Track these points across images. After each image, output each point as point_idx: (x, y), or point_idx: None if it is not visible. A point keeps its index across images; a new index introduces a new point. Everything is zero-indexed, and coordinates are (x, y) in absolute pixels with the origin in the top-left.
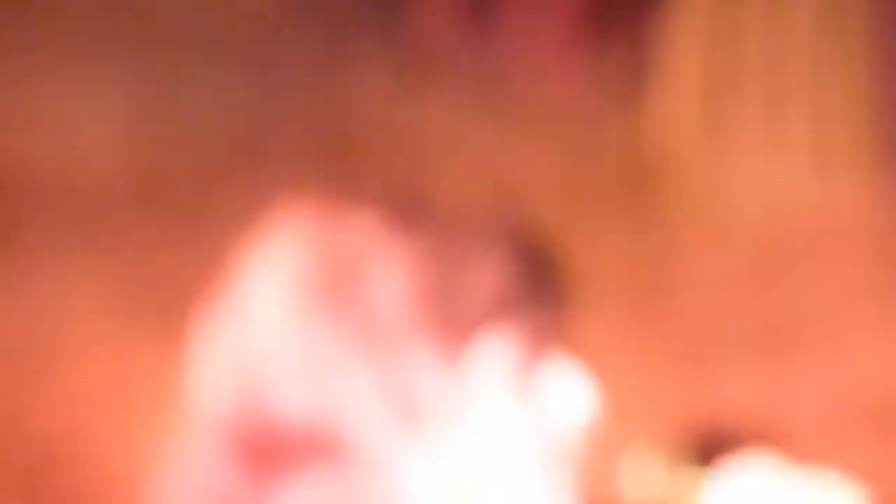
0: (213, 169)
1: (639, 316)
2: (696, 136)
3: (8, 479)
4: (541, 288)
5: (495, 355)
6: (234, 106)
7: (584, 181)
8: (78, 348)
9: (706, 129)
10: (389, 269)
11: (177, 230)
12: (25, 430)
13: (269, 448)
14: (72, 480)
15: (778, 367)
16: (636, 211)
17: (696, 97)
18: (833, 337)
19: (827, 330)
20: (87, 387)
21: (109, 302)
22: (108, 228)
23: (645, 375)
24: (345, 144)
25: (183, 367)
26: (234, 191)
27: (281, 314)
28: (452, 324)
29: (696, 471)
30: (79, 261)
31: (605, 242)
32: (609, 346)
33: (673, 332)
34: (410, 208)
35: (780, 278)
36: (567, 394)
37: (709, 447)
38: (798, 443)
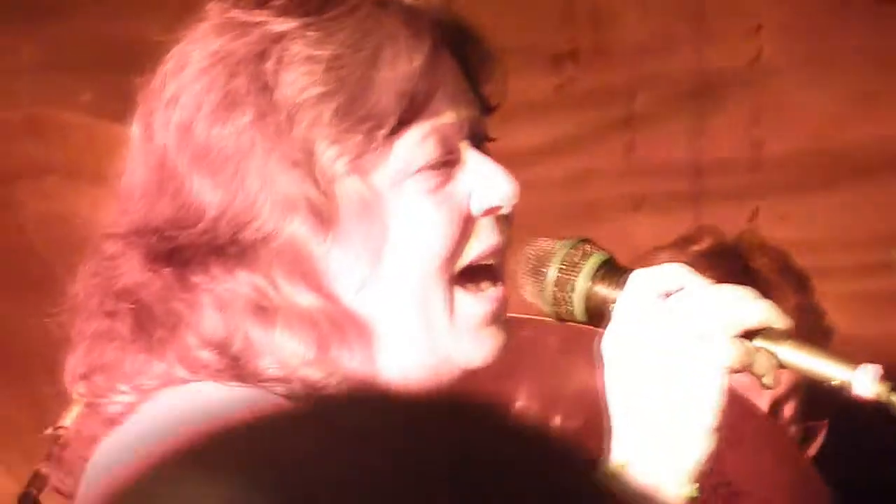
0: None
1: (561, 83)
2: None
3: None
4: (459, 75)
5: (412, 150)
6: None
7: None
8: (12, 104)
9: None
10: (304, 58)
11: None
12: None
13: (188, 244)
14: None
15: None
16: None
17: None
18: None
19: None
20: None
21: (41, 58)
22: None
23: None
24: None
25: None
26: None
27: (203, 100)
28: (365, 119)
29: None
30: (8, 18)
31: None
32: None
33: (598, 93)
34: None
35: (702, 31)
36: (485, 184)
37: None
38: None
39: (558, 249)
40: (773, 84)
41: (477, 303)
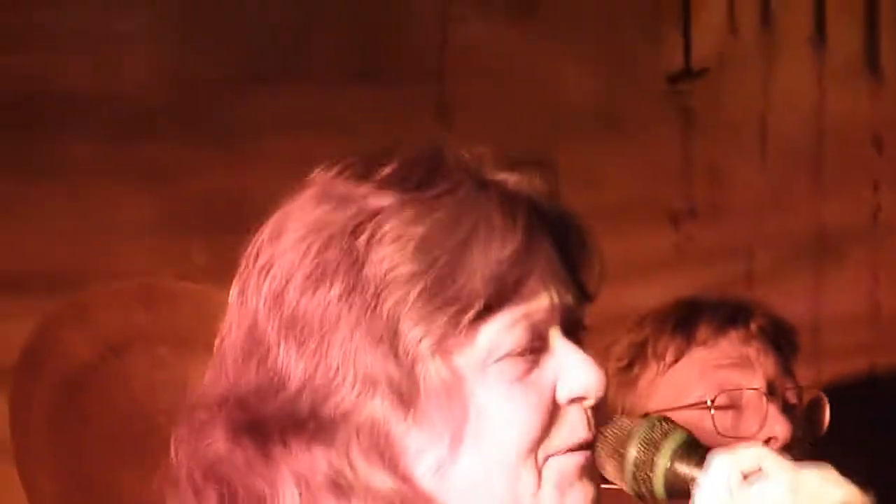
0: (248, 86)
1: (678, 241)
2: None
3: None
4: (556, 260)
5: (498, 337)
6: (276, 25)
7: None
8: (126, 265)
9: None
10: (396, 236)
11: (212, 148)
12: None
13: (269, 416)
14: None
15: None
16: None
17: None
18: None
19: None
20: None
21: (155, 219)
22: (146, 143)
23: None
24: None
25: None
26: (272, 113)
27: (295, 269)
28: (452, 302)
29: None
30: (122, 178)
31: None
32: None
33: (716, 251)
34: (426, 171)
35: (820, 188)
36: (571, 374)
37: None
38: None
39: (637, 429)
40: (891, 241)
41: (565, 461)
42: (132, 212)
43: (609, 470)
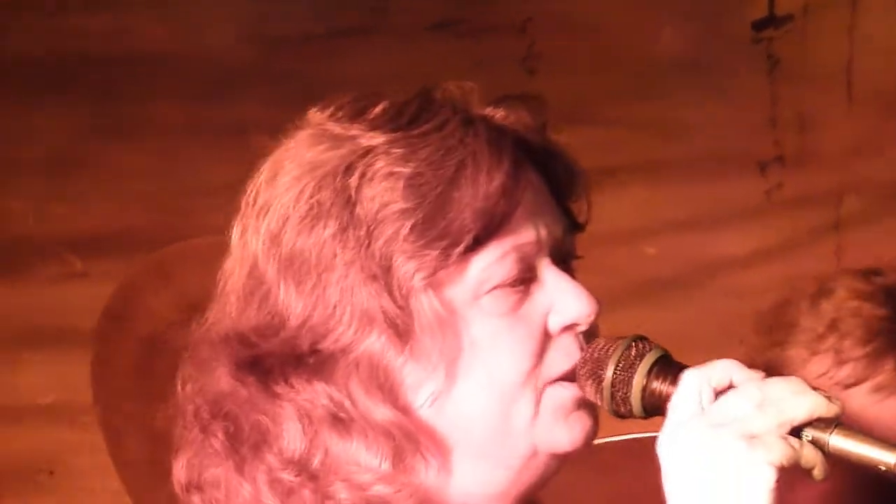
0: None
1: (768, 189)
2: None
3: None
4: (544, 192)
5: (489, 269)
6: None
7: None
8: (209, 225)
9: None
10: (386, 174)
11: (295, 106)
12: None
13: (270, 352)
14: None
15: None
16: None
17: None
18: None
19: None
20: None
21: (238, 178)
22: (229, 102)
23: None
24: None
25: None
26: (354, 67)
27: (291, 210)
28: (442, 236)
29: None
30: (206, 138)
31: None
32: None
33: (805, 198)
34: (415, 109)
35: None
36: (562, 302)
37: None
38: None
39: (614, 350)
40: None
41: (562, 392)
42: (215, 171)
43: (589, 391)
